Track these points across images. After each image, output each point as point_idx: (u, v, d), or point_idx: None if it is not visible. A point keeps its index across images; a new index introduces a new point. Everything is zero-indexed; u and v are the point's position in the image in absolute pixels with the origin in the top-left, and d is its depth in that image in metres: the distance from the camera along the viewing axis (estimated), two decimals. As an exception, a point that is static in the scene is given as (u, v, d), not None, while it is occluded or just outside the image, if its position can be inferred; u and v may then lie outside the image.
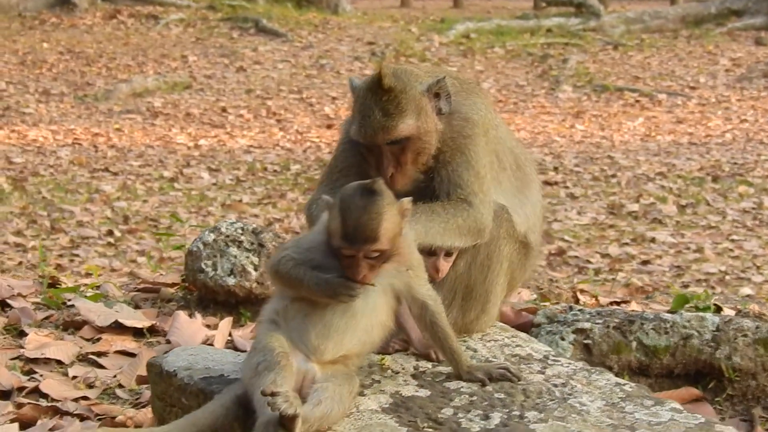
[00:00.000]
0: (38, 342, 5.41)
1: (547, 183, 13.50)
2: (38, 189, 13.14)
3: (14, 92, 19.68)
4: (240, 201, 12.92)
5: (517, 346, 4.08)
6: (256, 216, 12.24)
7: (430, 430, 3.50)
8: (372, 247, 3.40)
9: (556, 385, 3.81)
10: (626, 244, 11.02)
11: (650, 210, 12.35)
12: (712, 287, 9.29)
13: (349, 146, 4.09)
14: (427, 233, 3.90)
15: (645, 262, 10.28)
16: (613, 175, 14.15)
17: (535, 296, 6.45)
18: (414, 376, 3.80)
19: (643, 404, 3.75)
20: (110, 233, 11.26)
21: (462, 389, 3.73)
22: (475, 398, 3.68)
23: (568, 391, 3.78)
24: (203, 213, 12.28)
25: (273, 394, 3.21)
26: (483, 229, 4.04)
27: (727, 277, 9.76)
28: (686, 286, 9.25)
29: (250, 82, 20.95)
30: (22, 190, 13.05)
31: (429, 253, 3.92)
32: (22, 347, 5.40)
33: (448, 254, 3.99)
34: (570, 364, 3.98)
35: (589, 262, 10.31)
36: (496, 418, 3.58)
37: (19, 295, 6.19)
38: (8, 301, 6.08)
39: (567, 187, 13.52)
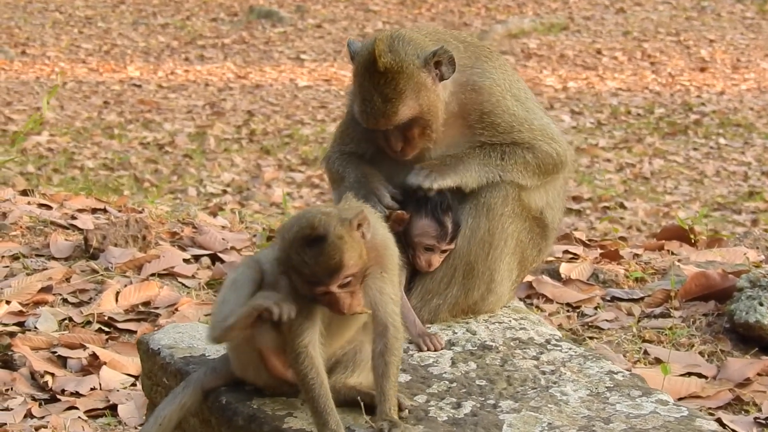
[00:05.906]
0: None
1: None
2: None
3: (389, 31, 19.88)
4: (596, 145, 13.21)
5: (522, 329, 4.07)
6: (608, 161, 12.60)
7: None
8: (340, 279, 3.30)
9: (544, 372, 3.81)
10: None
11: None
12: None
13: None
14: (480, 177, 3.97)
15: None
16: None
17: (762, 257, 6.08)
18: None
19: (629, 395, 3.72)
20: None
21: (444, 374, 3.78)
22: (454, 385, 3.73)
23: (554, 379, 3.77)
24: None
25: None
26: (560, 162, 4.06)
27: None
28: None
29: (628, 23, 20.48)
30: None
31: (426, 248, 3.96)
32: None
33: (443, 251, 3.99)
34: (570, 349, 3.93)
35: None
36: (468, 407, 3.63)
37: (233, 248, 6.29)
38: (220, 254, 6.19)
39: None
